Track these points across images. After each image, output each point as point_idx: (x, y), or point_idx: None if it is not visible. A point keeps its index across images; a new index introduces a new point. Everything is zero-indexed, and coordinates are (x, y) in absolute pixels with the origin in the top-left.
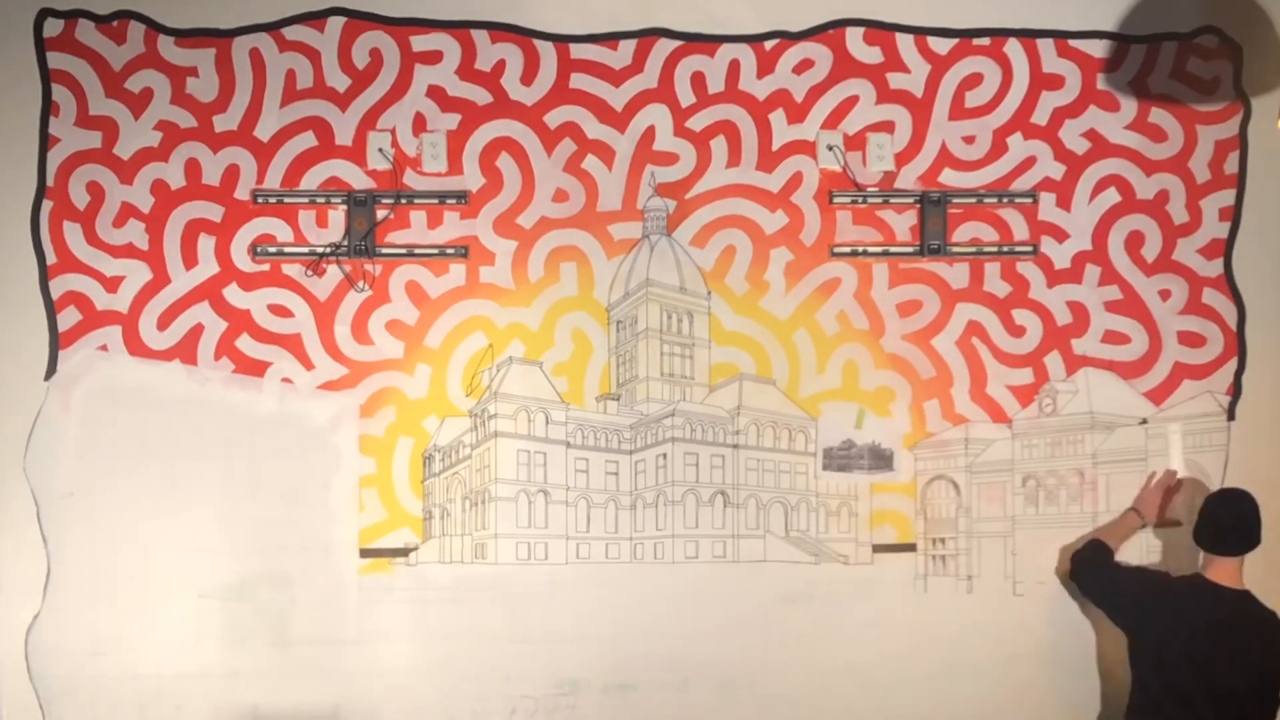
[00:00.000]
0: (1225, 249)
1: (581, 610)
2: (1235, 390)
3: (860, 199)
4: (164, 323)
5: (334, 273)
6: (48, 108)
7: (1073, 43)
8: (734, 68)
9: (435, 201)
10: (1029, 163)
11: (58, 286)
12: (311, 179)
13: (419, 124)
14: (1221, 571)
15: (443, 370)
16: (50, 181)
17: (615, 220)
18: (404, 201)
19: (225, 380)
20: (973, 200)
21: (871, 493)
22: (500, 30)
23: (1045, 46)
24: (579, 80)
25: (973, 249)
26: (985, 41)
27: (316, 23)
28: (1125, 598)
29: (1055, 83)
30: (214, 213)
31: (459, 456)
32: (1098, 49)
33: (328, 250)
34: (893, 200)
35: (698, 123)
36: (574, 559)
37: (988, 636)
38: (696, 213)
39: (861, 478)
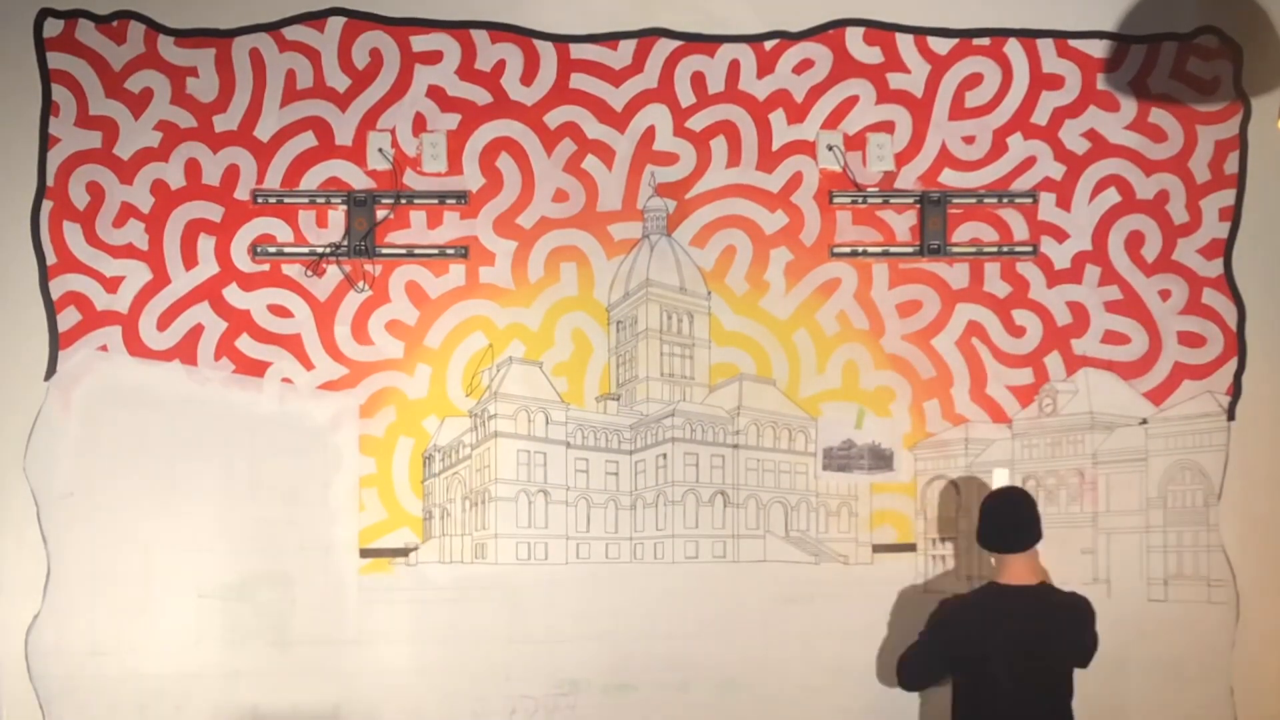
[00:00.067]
0: (1225, 249)
1: (581, 610)
2: (1235, 390)
3: (860, 199)
4: (164, 323)
5: (334, 273)
6: (48, 108)
7: (1073, 43)
8: (734, 68)
9: (435, 201)
10: (1029, 163)
11: (58, 286)
12: (311, 179)
13: (419, 124)
14: (1015, 571)
15: (443, 370)
16: (50, 181)
17: (615, 220)
18: (404, 201)
19: (225, 380)
20: (973, 200)
21: (871, 493)
22: (500, 30)
23: (1045, 46)
24: (579, 80)
25: (973, 249)
26: (985, 41)
27: (316, 23)
28: (940, 662)
29: (1055, 83)
30: (214, 213)
31: (459, 456)
32: (1098, 49)
33: (328, 250)
34: (893, 200)
35: (698, 123)
36: (574, 559)
37: None
38: (696, 213)
39: (861, 478)
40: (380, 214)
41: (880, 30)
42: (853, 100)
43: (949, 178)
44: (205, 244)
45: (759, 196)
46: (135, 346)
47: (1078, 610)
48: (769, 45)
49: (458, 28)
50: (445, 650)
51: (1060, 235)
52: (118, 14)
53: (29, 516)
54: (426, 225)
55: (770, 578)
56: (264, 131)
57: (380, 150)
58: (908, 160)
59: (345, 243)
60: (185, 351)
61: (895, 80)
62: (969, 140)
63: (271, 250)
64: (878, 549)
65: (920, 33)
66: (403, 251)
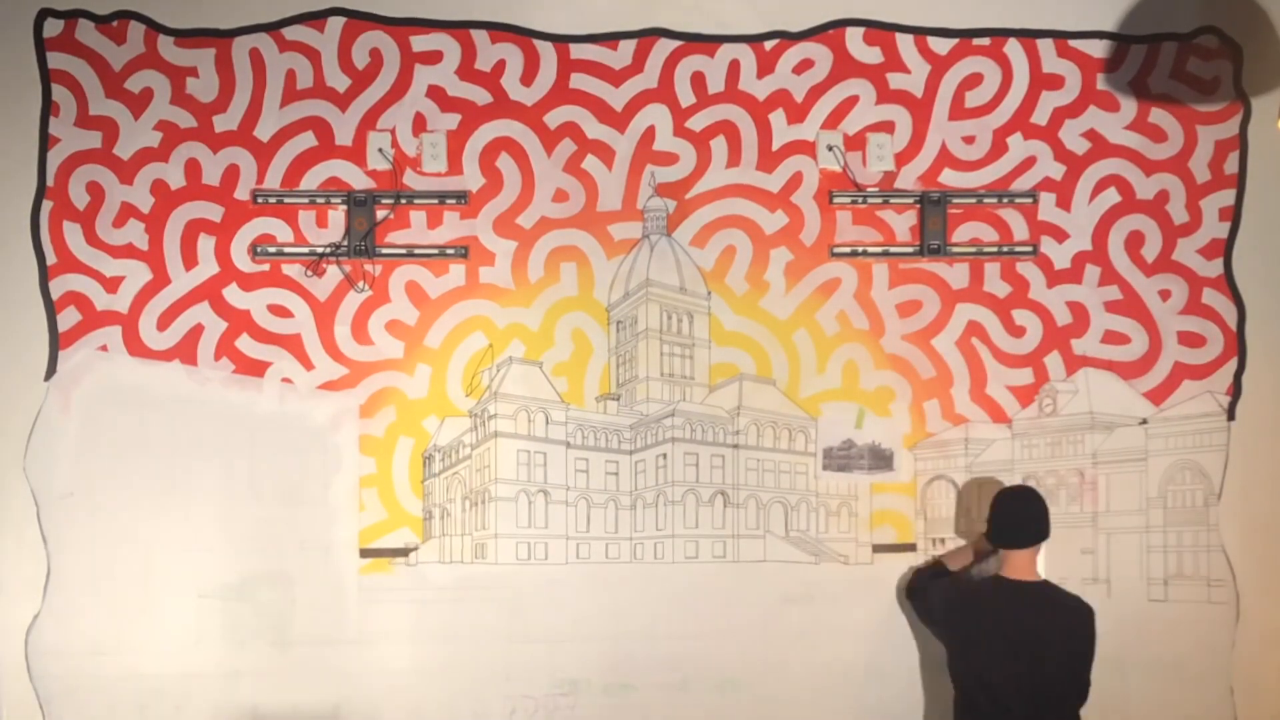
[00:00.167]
0: (1225, 249)
1: (581, 610)
2: (1235, 390)
3: (860, 199)
4: (164, 323)
5: (334, 273)
6: (48, 108)
7: (1073, 43)
8: (734, 68)
9: (435, 201)
10: (1029, 163)
11: (58, 286)
12: (311, 179)
13: (419, 124)
14: (1017, 566)
15: (443, 370)
16: (50, 181)
17: (615, 220)
18: (404, 201)
19: (225, 380)
20: (973, 200)
21: (871, 493)
22: (500, 30)
23: (1045, 46)
24: (579, 80)
25: (973, 249)
26: (985, 41)
27: (316, 23)
28: (936, 612)
29: (1055, 83)
30: (214, 213)
31: (459, 456)
32: (1098, 49)
33: (328, 250)
34: (893, 200)
35: (698, 123)
36: (574, 559)
37: None
38: (696, 213)
39: (861, 478)
40: (380, 214)
41: (880, 30)
42: (853, 100)
43: (949, 178)
44: (205, 244)
45: (759, 196)
46: (135, 346)
47: (1079, 614)
48: (769, 45)
49: (458, 28)
50: (445, 650)
51: (1060, 235)
52: (118, 14)
53: (29, 516)
54: (426, 225)
55: (770, 578)
56: (264, 131)
57: (380, 150)
58: (908, 160)
59: (345, 243)
60: (185, 351)
61: (895, 80)
62: (969, 140)
63: (271, 250)
64: (878, 549)
65: (920, 33)
66: (403, 251)
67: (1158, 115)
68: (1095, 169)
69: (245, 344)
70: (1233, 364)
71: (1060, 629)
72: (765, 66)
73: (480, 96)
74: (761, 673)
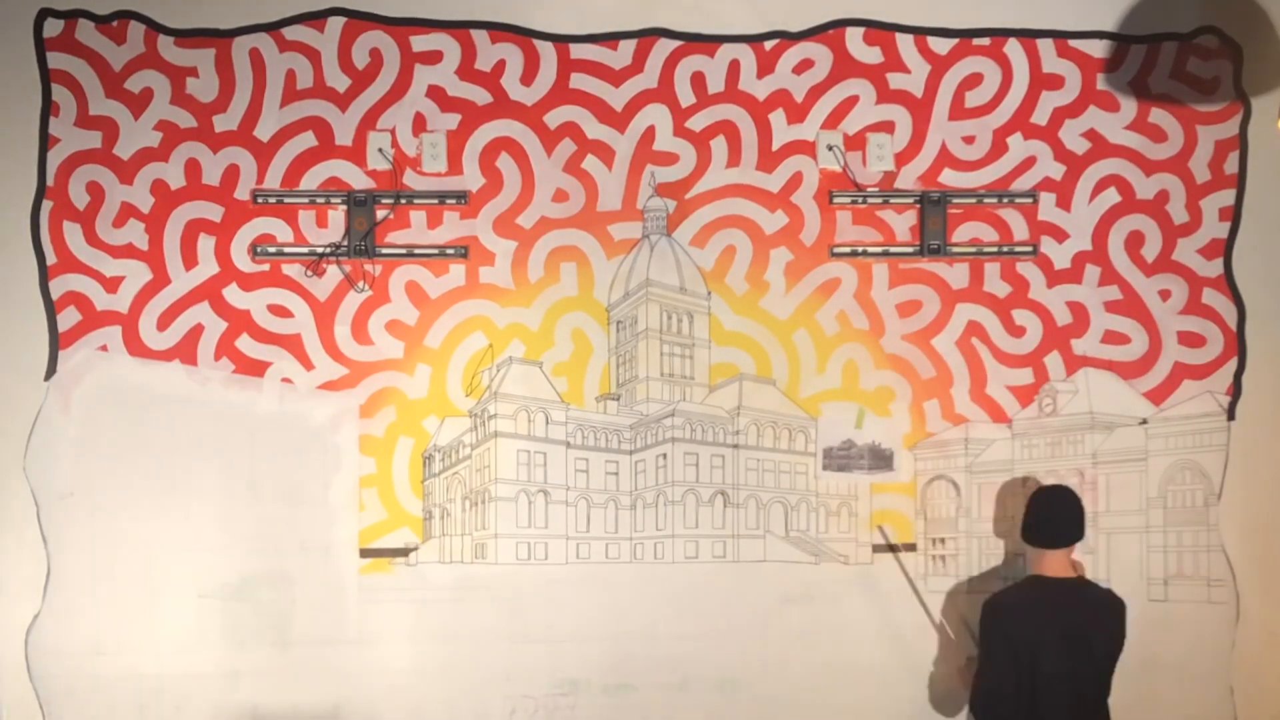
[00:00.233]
0: (1225, 249)
1: (581, 610)
2: (1235, 390)
3: (860, 199)
4: (164, 323)
5: (334, 273)
6: (48, 108)
7: (1073, 43)
8: (734, 68)
9: (435, 201)
10: (1029, 163)
11: (58, 286)
12: (311, 179)
13: (419, 124)
14: (1052, 565)
15: (443, 370)
16: (50, 181)
17: (615, 220)
18: (404, 201)
19: (225, 380)
20: (973, 200)
21: (871, 493)
22: (500, 30)
23: (1045, 46)
24: (579, 80)
25: (973, 249)
26: (985, 41)
27: (316, 23)
28: (1009, 661)
29: (1055, 83)
30: (214, 213)
31: (459, 456)
32: (1098, 49)
33: (328, 250)
34: (893, 200)
35: (698, 123)
36: (574, 559)
37: None
38: (696, 213)
39: (861, 478)
40: (380, 214)
41: (880, 30)
42: (853, 100)
43: (949, 178)
44: (205, 244)
45: (759, 196)
46: (135, 346)
47: (1115, 609)
48: (769, 45)
49: (458, 28)
50: (445, 650)
51: (1060, 235)
52: (118, 14)
53: (29, 516)
54: (426, 225)
55: (770, 578)
56: (264, 131)
57: (380, 150)
58: (908, 160)
59: (345, 243)
60: (185, 351)
61: (895, 80)
62: (969, 140)
63: (271, 250)
64: (878, 549)
65: (920, 33)
66: (403, 251)
67: (1158, 115)
68: (1095, 169)
69: (245, 344)
70: (1233, 364)
71: (1101, 621)
72: (765, 66)
73: (480, 96)
74: (761, 673)
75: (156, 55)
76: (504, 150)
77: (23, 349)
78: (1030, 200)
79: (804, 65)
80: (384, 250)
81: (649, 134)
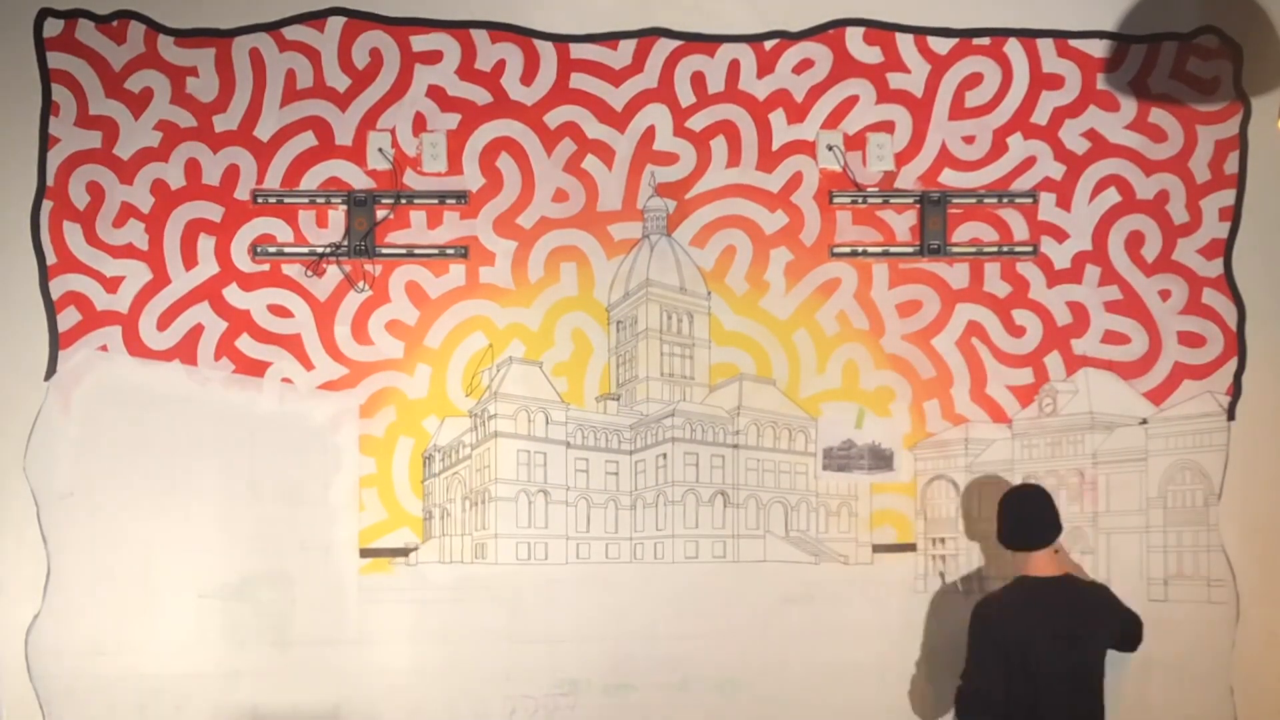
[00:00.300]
0: (1225, 249)
1: (581, 610)
2: (1235, 390)
3: (860, 199)
4: (164, 323)
5: (334, 273)
6: (48, 108)
7: (1073, 43)
8: (734, 68)
9: (435, 201)
10: (1029, 163)
11: (58, 286)
12: (311, 179)
13: (419, 124)
14: (1037, 565)
15: (443, 370)
16: (50, 181)
17: (615, 220)
18: (404, 201)
19: (225, 380)
20: (973, 200)
21: (871, 493)
22: (500, 30)
23: (1045, 46)
24: (579, 80)
25: (973, 249)
26: (985, 41)
27: (316, 23)
28: (997, 665)
29: (1055, 83)
30: (214, 213)
31: (459, 456)
32: (1098, 49)
33: (328, 250)
34: (893, 200)
35: (698, 123)
36: (574, 559)
37: None
38: (696, 213)
39: (861, 478)
40: (380, 214)
41: (880, 30)
42: (853, 100)
43: (949, 178)
44: (205, 244)
45: (759, 196)
46: (135, 346)
47: (1101, 595)
48: (769, 45)
49: (458, 28)
50: (445, 650)
51: (1060, 235)
52: (118, 14)
53: (29, 516)
54: (426, 225)
55: (770, 578)
56: (264, 131)
57: (380, 150)
58: (908, 160)
59: (345, 243)
60: (185, 351)
61: (895, 80)
62: (969, 140)
63: (271, 250)
64: (878, 549)
65: (920, 33)
66: (403, 251)
67: (1158, 115)
68: (1095, 169)
69: (245, 344)
70: (1233, 364)
71: (1093, 617)
72: (765, 66)
73: (480, 96)
74: (761, 673)
75: (156, 55)
76: (504, 150)
77: (23, 349)
78: (1030, 200)
79: (804, 65)
80: (384, 250)
81: (649, 134)
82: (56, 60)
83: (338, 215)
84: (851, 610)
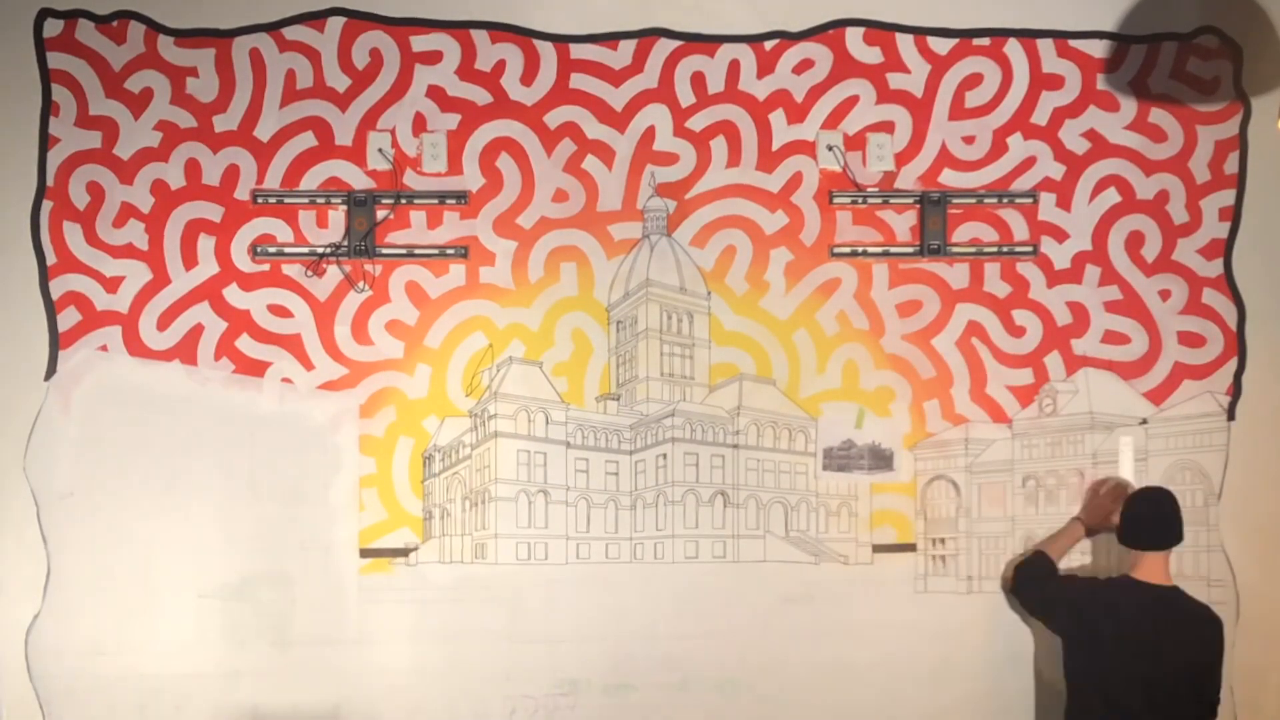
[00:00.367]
0: (1225, 249)
1: (581, 610)
2: (1235, 390)
3: (860, 199)
4: (164, 323)
5: (334, 273)
6: (48, 108)
7: (1073, 43)
8: (734, 68)
9: (435, 201)
10: (1029, 163)
11: (58, 286)
12: (311, 179)
13: (419, 124)
14: (1149, 569)
15: (443, 370)
16: (50, 181)
17: (615, 220)
18: (404, 201)
19: (225, 380)
20: (973, 200)
21: (871, 493)
22: (500, 30)
23: (1045, 46)
24: (579, 80)
25: (973, 249)
26: (985, 41)
27: (316, 23)
28: (1060, 606)
29: (1055, 83)
30: (214, 213)
31: (459, 456)
32: (1098, 49)
33: (328, 250)
34: (893, 200)
35: (698, 123)
36: (574, 559)
37: (988, 636)
38: (696, 213)
39: (861, 478)
40: (380, 214)
41: (880, 30)
42: (853, 100)
43: (949, 178)
44: (205, 244)
45: (759, 196)
46: (135, 346)
47: (1209, 625)
48: (769, 45)
49: (458, 28)
50: (445, 650)
51: (1060, 235)
52: (118, 14)
53: (29, 516)
54: (426, 225)
55: (770, 578)
56: (264, 131)
57: (380, 150)
58: (908, 160)
59: (345, 243)
60: (185, 351)
61: (895, 80)
62: (969, 140)
63: (271, 250)
64: (878, 549)
65: (920, 33)
66: (403, 251)
67: (1158, 115)
68: (1095, 169)
69: (245, 344)
70: (1233, 364)
71: (1187, 638)
72: (765, 66)
73: (480, 96)
74: (761, 673)
75: (156, 55)
76: (504, 150)
77: (23, 349)
78: (1030, 200)
79: (804, 65)
80: (384, 250)
81: (649, 134)
82: (56, 60)
83: (338, 215)
84: (851, 610)
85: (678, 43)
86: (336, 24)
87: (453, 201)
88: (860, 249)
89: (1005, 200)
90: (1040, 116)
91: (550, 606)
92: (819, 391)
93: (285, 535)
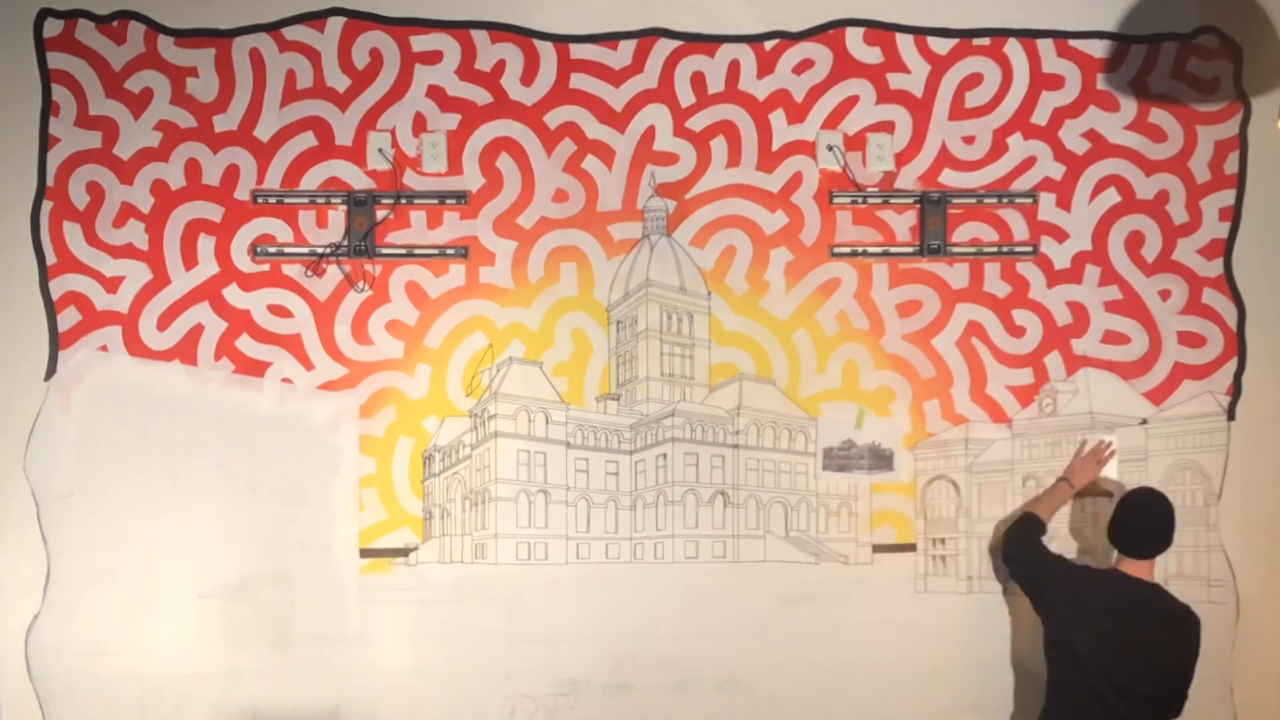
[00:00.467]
0: (1225, 249)
1: (581, 610)
2: (1235, 390)
3: (860, 199)
4: (164, 323)
5: (334, 273)
6: (48, 108)
7: (1073, 43)
8: (734, 68)
9: (435, 201)
10: (1029, 163)
11: (58, 286)
12: (311, 179)
13: (419, 124)
14: (1136, 566)
15: (443, 370)
16: (50, 181)
17: (615, 220)
18: (404, 201)
19: (225, 380)
20: (973, 200)
21: (871, 493)
22: (500, 30)
23: (1045, 46)
24: (579, 80)
25: (973, 249)
26: (985, 41)
27: (316, 23)
28: (1048, 582)
29: (1055, 83)
30: (214, 213)
31: (459, 456)
32: (1098, 49)
33: (328, 250)
34: (893, 200)
35: (698, 123)
36: (574, 559)
37: (988, 636)
38: (696, 213)
39: (861, 478)
40: (380, 214)
41: (880, 30)
42: (853, 100)
43: (949, 178)
44: (205, 244)
45: (759, 196)
46: (135, 346)
47: (1186, 625)
48: (769, 45)
49: (458, 28)
50: (445, 650)
51: (1060, 235)
52: (118, 14)
53: (29, 516)
54: (426, 225)
55: (770, 578)
56: (264, 131)
57: (380, 150)
58: (908, 160)
59: (345, 243)
60: (185, 351)
61: (895, 80)
62: (969, 140)
63: (271, 250)
64: (878, 549)
65: (920, 33)
66: (403, 251)
67: (1158, 115)
68: (1095, 169)
69: (245, 344)
70: (1233, 364)
71: (1167, 638)
72: (765, 66)
73: (480, 96)
74: (761, 673)
75: (156, 55)
76: (504, 150)
77: (23, 349)
78: (1030, 200)
79: (804, 65)
80: (384, 250)
81: (649, 134)
82: (56, 60)
83: (338, 215)
84: (851, 610)
85: (678, 43)
86: (336, 24)
87: (453, 201)
88: (860, 249)
89: (1005, 200)
90: (1040, 116)
91: (550, 606)
92: (819, 391)
93: (285, 535)
